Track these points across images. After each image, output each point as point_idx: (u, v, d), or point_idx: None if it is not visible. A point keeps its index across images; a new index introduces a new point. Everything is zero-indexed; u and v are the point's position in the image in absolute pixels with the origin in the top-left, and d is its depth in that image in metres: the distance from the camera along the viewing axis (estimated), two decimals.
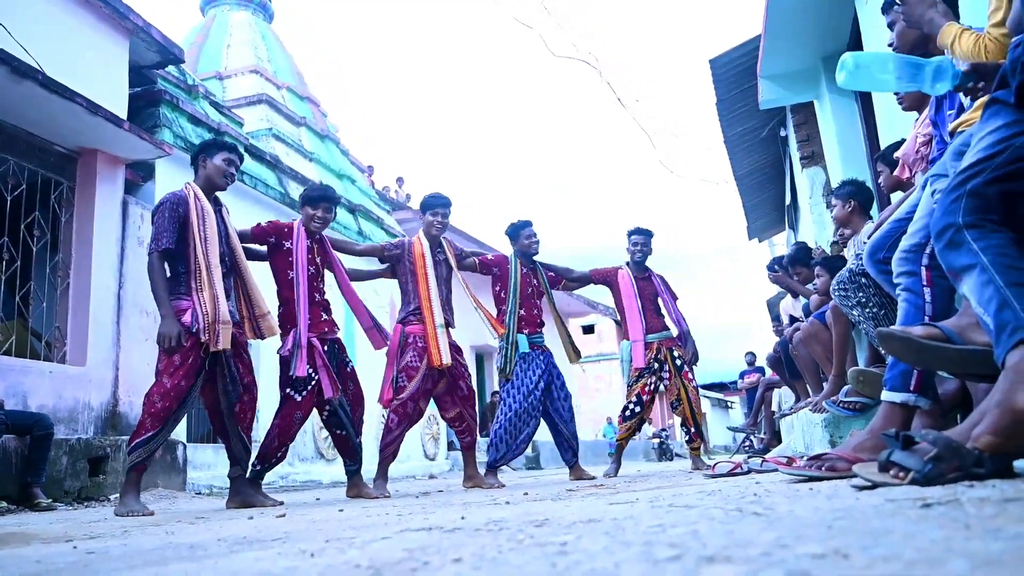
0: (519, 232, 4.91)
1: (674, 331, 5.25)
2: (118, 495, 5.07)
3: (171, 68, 7.85)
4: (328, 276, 4.13)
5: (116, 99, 6.47)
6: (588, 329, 27.07)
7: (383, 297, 9.59)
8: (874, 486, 1.50)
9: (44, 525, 2.93)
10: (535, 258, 4.96)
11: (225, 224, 3.65)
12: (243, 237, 3.86)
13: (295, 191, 8.97)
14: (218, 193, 3.68)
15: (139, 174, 6.76)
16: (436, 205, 4.49)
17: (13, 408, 4.79)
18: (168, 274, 3.41)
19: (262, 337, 3.70)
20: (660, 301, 5.27)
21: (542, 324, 4.83)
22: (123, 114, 6.48)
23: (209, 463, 6.77)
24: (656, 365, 5.10)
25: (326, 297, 4.03)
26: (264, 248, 3.97)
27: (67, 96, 5.41)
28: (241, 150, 3.75)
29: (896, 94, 2.97)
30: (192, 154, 3.71)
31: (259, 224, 3.99)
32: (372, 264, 4.62)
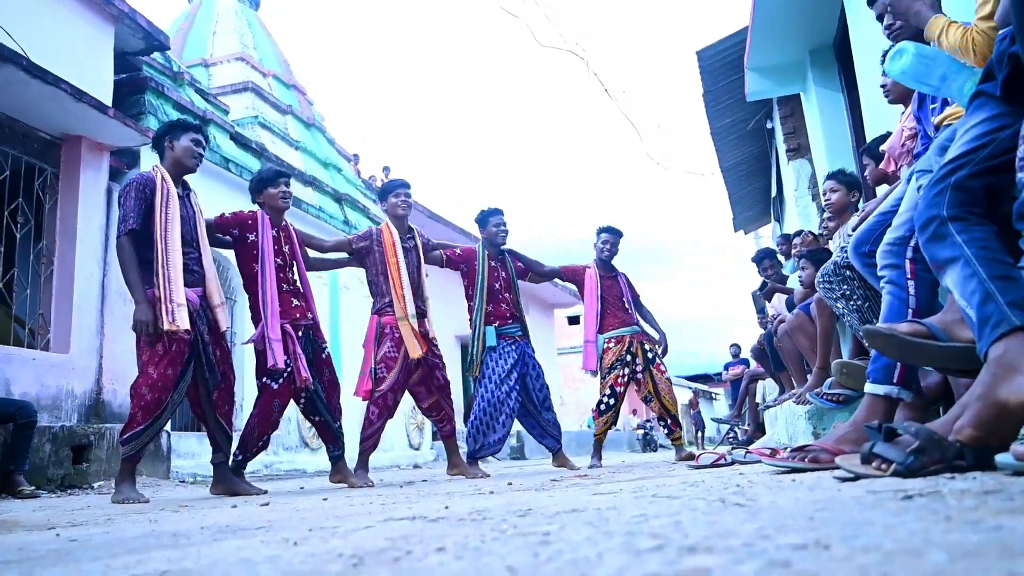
0: (488, 220, 4.87)
1: (646, 327, 5.30)
2: (101, 483, 5.05)
3: (156, 55, 7.76)
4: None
5: (101, 85, 6.39)
6: (574, 320, 27.11)
7: (367, 287, 9.53)
8: (856, 478, 1.51)
9: (27, 512, 2.90)
10: (504, 248, 4.93)
11: (193, 209, 3.58)
12: (209, 226, 3.78)
13: None
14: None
15: (123, 161, 6.68)
16: (396, 187, 4.45)
17: None
18: (138, 260, 3.34)
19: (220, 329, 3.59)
20: (624, 300, 5.30)
21: (514, 316, 4.79)
22: (108, 100, 6.40)
23: (193, 452, 6.73)
24: (628, 357, 5.12)
25: (297, 284, 3.97)
26: (228, 238, 3.89)
27: (51, 81, 5.33)
28: (205, 130, 3.69)
29: (883, 87, 2.97)
30: (155, 135, 3.61)
31: (222, 214, 3.90)
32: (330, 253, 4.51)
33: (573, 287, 5.71)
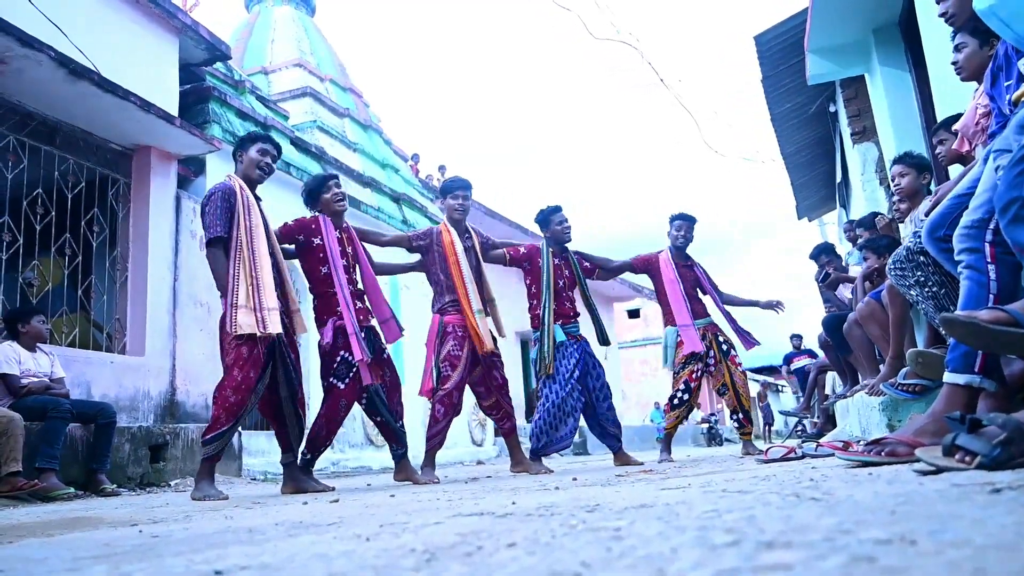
0: (550, 218, 4.84)
1: (718, 318, 5.19)
2: (178, 481, 5.25)
3: (218, 64, 7.99)
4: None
5: (167, 96, 6.61)
6: (633, 313, 26.88)
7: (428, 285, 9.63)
8: (938, 471, 1.45)
9: (110, 510, 3.04)
10: (568, 246, 4.90)
11: (266, 220, 3.69)
12: (276, 236, 3.88)
13: (343, 183, 9.07)
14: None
15: (190, 169, 6.91)
16: (455, 188, 4.44)
17: (78, 398, 4.96)
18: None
19: (292, 333, 3.71)
20: (701, 289, 5.19)
21: (576, 315, 4.78)
22: (174, 111, 6.62)
23: (263, 450, 6.93)
24: (702, 351, 5.02)
25: (359, 286, 4.04)
26: (292, 247, 3.97)
27: (121, 95, 5.55)
28: (276, 139, 3.80)
29: (954, 63, 2.85)
30: (232, 151, 3.78)
31: (285, 223, 3.99)
32: (397, 256, 4.57)
33: (635, 279, 5.65)
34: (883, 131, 6.31)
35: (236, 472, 6.09)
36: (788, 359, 9.72)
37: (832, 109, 8.33)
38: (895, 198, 4.05)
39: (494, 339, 4.38)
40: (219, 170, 7.07)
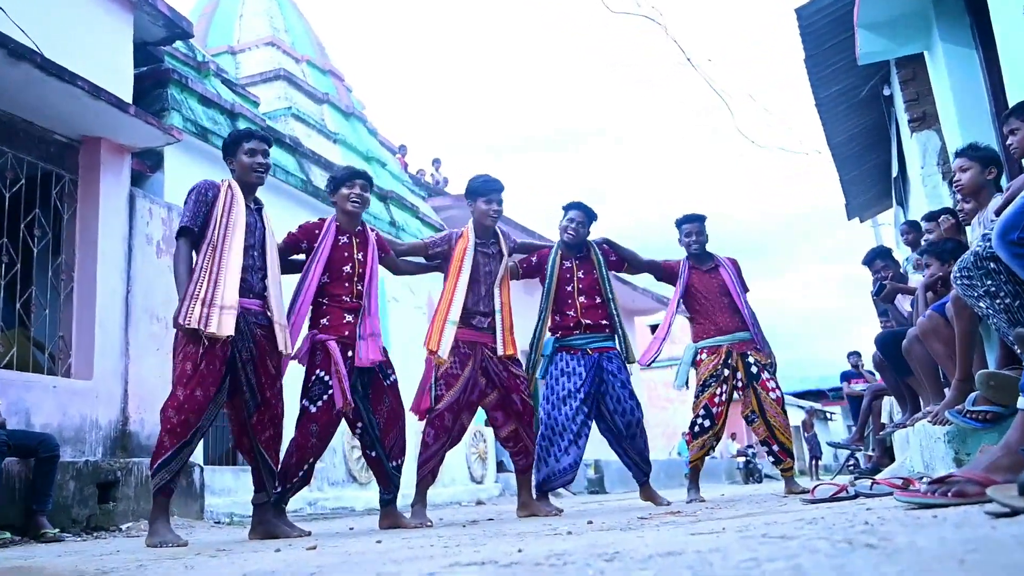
0: (565, 213, 4.93)
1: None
2: (130, 524, 5.24)
3: (179, 44, 8.04)
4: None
5: (120, 80, 6.65)
6: (657, 329, 26.83)
7: (420, 296, 9.66)
8: (1014, 513, 1.45)
9: (52, 558, 3.03)
10: (591, 241, 4.94)
11: (263, 224, 3.80)
12: (282, 248, 4.04)
13: (319, 177, 9.11)
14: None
15: (146, 163, 6.94)
16: (489, 191, 4.51)
17: (15, 428, 4.96)
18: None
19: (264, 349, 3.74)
20: (727, 299, 5.15)
21: (588, 326, 4.78)
22: (128, 97, 6.65)
23: (229, 488, 6.92)
24: (726, 372, 4.98)
25: (357, 300, 4.06)
26: (302, 257, 4.10)
27: (67, 79, 5.58)
28: (262, 132, 3.89)
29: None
30: (222, 156, 3.89)
31: (289, 233, 4.13)
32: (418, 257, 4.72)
33: (654, 290, 5.70)
34: (946, 118, 6.31)
35: (197, 514, 6.08)
36: (846, 378, 9.65)
37: (886, 92, 8.34)
38: (957, 196, 4.04)
39: (517, 360, 4.43)
40: (179, 165, 7.10)
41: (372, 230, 4.28)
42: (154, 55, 7.59)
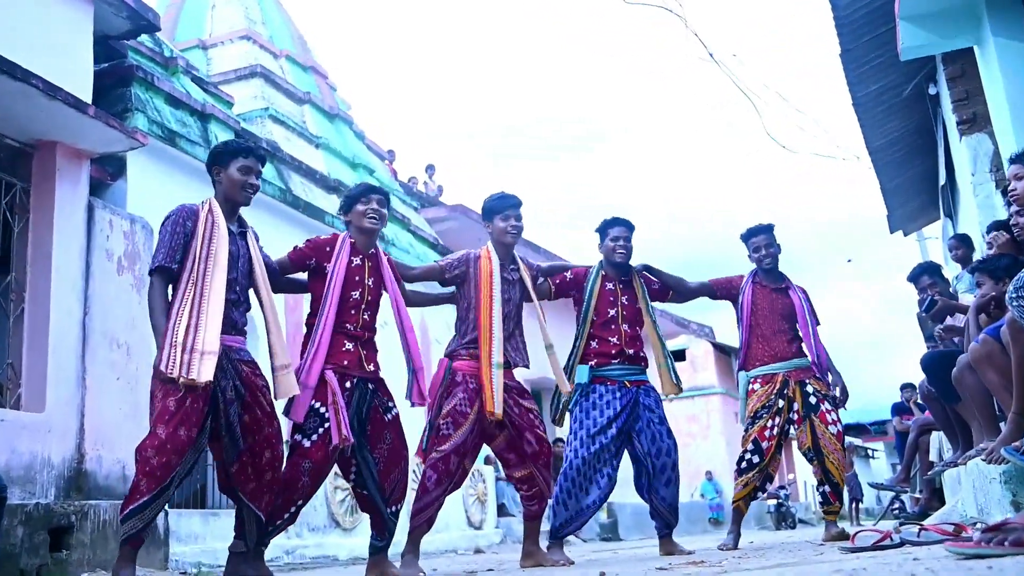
0: (606, 231, 4.91)
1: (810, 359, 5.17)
2: (87, 574, 5.21)
3: (144, 37, 8.08)
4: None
5: (78, 78, 6.67)
6: (678, 355, 26.82)
7: (412, 319, 9.64)
8: None
9: None
10: (630, 266, 4.95)
11: (248, 250, 3.81)
12: (283, 266, 4.09)
13: (299, 187, 9.14)
14: (204, 191, 3.81)
15: (107, 170, 6.96)
16: (506, 207, 4.53)
17: None
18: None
19: (275, 396, 3.80)
20: (791, 325, 5.17)
21: (629, 356, 4.79)
22: (87, 96, 6.68)
23: (196, 534, 6.90)
24: (781, 403, 4.98)
25: (362, 329, 4.10)
26: (304, 276, 4.14)
27: (19, 77, 5.60)
28: (260, 152, 3.92)
29: None
30: (206, 163, 3.90)
31: (295, 248, 4.14)
32: (432, 286, 4.74)
33: (674, 311, 5.71)
34: (998, 119, 6.32)
35: (161, 563, 6.05)
36: (898, 411, 9.57)
37: (932, 91, 8.37)
38: (1012, 208, 4.05)
39: (534, 393, 4.43)
40: (144, 172, 7.12)
41: (385, 255, 4.31)
42: (117, 50, 7.63)
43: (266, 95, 10.01)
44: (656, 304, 5.09)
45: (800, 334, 5.17)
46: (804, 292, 5.31)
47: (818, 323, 5.28)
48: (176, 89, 7.94)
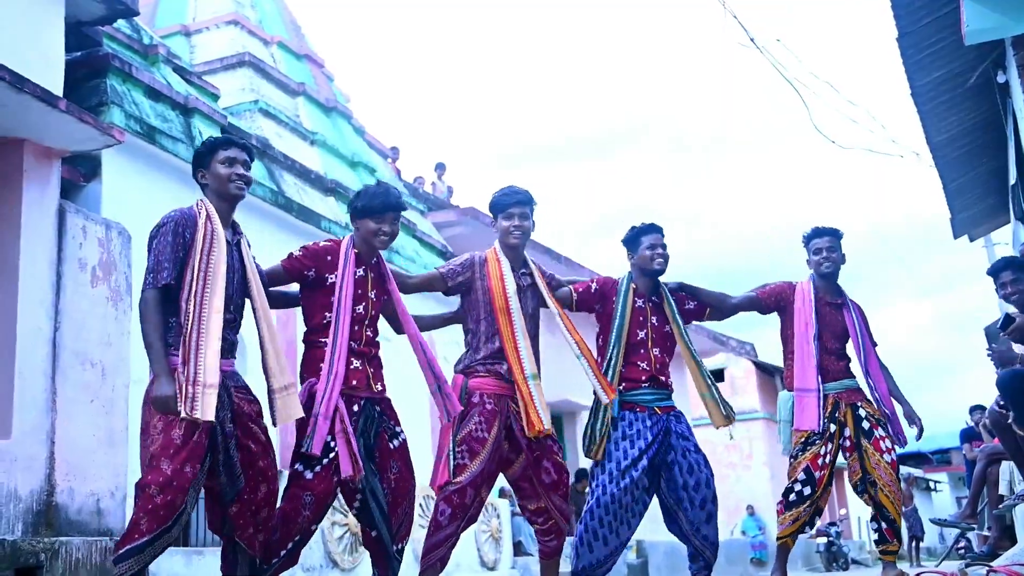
0: (639, 239, 4.82)
1: (862, 383, 5.14)
2: None
3: (121, 23, 8.12)
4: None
5: (48, 69, 6.70)
6: (716, 376, 26.67)
7: (394, 341, 9.62)
8: None
9: None
10: (664, 280, 4.90)
11: (242, 259, 3.78)
12: (274, 276, 4.04)
13: (292, 187, 9.16)
14: (187, 192, 3.82)
15: (79, 171, 6.98)
16: (511, 203, 4.49)
17: None
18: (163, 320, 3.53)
19: (273, 422, 3.76)
20: (847, 343, 5.16)
21: (658, 381, 4.76)
22: (58, 89, 6.70)
23: (179, 575, 6.89)
24: (833, 427, 4.96)
25: (366, 345, 4.10)
26: (296, 288, 4.11)
27: None
28: (244, 143, 3.91)
29: None
30: (192, 170, 3.88)
31: (291, 255, 4.07)
32: (435, 307, 4.70)
33: (710, 327, 5.66)
34: None
35: None
36: (967, 438, 9.44)
37: (1001, 80, 8.33)
38: None
39: (554, 418, 4.40)
40: (120, 172, 7.14)
41: (386, 263, 4.30)
42: (91, 37, 7.65)
43: (255, 86, 10.03)
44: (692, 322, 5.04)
45: (853, 353, 5.14)
46: (860, 309, 5.29)
47: (874, 344, 5.26)
48: (156, 80, 7.97)
